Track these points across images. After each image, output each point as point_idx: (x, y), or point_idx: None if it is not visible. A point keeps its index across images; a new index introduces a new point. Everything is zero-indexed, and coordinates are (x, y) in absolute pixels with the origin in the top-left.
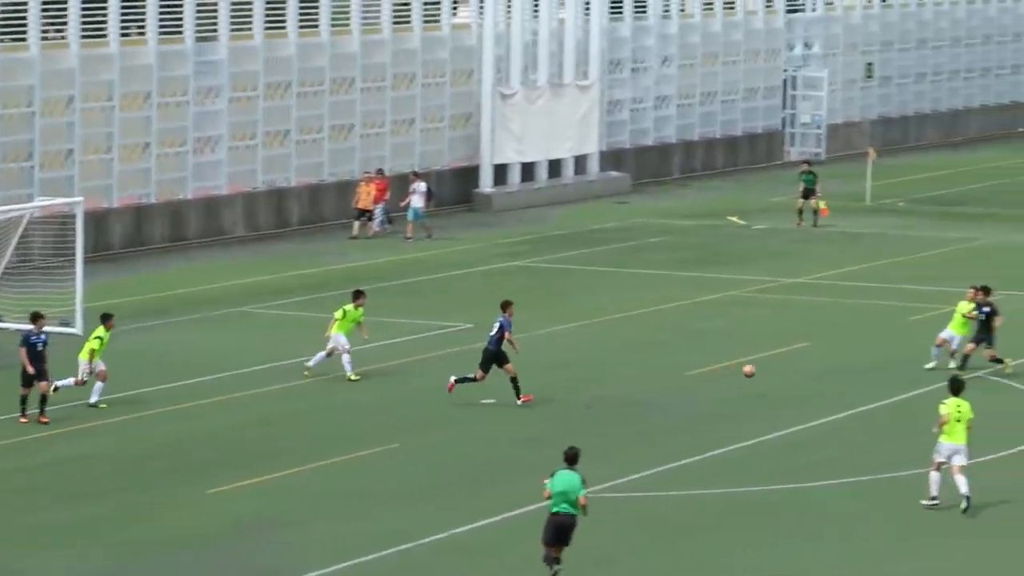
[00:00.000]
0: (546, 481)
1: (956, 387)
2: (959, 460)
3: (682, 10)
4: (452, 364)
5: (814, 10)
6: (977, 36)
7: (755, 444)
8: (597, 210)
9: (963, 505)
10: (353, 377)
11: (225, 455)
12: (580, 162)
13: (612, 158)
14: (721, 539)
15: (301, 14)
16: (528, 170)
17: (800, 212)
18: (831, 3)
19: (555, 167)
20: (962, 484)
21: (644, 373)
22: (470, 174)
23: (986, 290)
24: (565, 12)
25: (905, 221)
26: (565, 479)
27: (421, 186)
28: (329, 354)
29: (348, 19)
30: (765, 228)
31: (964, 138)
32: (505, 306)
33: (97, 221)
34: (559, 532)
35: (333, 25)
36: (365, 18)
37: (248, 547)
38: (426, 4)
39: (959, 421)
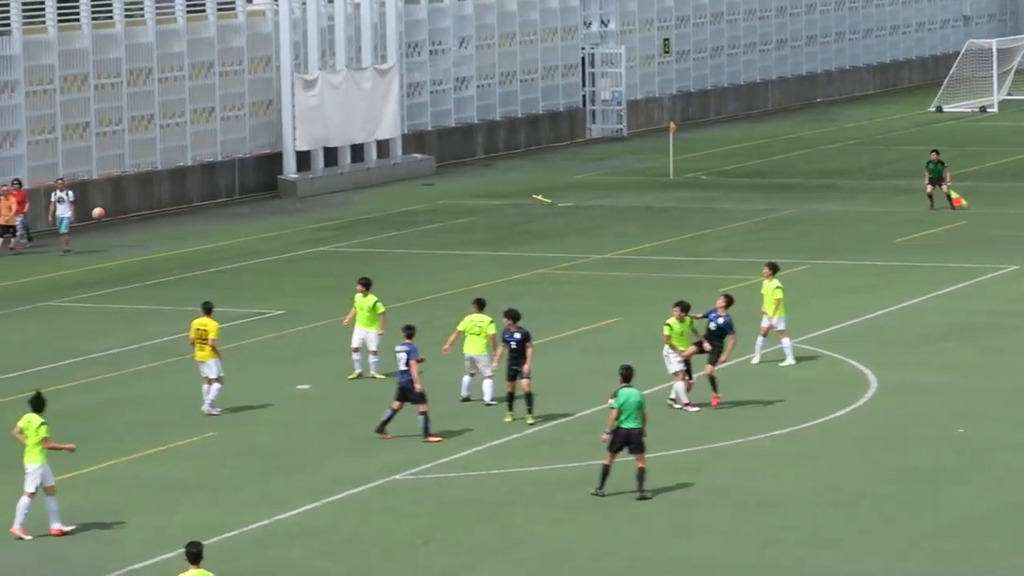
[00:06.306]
0: (611, 401)
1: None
2: None
3: None
4: (266, 349)
5: None
6: (771, 8)
7: (568, 420)
8: (403, 193)
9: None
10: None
11: None
12: (383, 146)
13: (415, 141)
14: (523, 517)
15: (94, 6)
16: (331, 155)
17: (930, 196)
18: None
19: (358, 152)
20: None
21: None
22: (273, 161)
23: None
24: None
25: (708, 194)
26: (626, 395)
27: (69, 194)
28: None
29: (142, 10)
30: (570, 205)
31: (763, 110)
32: (410, 332)
33: None
34: (627, 442)
35: (127, 16)
36: (159, 8)
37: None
38: None
39: None
